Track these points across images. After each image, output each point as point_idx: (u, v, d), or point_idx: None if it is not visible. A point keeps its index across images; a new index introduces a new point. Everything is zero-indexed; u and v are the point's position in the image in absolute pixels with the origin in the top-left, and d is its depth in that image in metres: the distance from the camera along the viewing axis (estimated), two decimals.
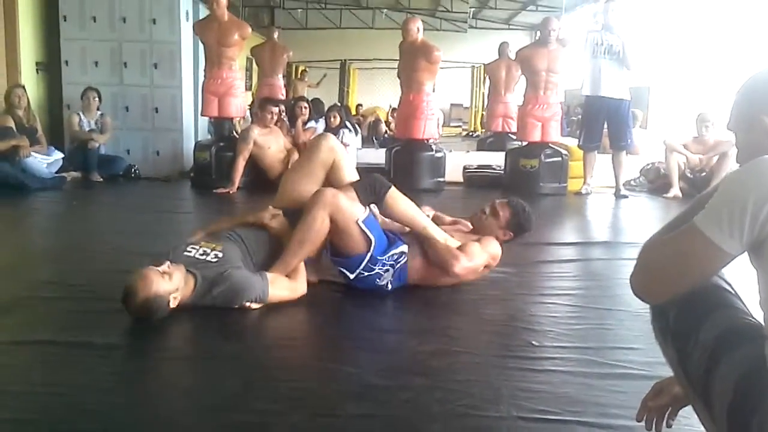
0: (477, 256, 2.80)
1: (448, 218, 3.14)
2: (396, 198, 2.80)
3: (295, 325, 2.51)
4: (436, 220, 2.98)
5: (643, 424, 1.48)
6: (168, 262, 2.38)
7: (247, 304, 2.46)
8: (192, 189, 6.25)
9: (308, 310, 2.59)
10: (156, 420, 1.70)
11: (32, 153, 5.83)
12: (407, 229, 2.87)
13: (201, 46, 6.57)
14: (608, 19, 5.96)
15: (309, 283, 2.71)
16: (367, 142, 9.64)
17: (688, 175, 6.27)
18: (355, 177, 2.90)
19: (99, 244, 3.71)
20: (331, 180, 2.87)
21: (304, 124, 6.71)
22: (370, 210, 2.74)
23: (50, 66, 7.04)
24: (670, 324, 1.29)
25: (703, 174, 6.13)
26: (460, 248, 2.79)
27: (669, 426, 1.47)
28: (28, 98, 6.14)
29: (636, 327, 2.39)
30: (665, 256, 1.24)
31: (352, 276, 2.71)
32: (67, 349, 2.12)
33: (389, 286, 2.76)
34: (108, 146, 6.63)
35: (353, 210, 2.65)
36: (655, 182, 6.54)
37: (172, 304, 2.34)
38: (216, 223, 2.98)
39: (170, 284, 2.32)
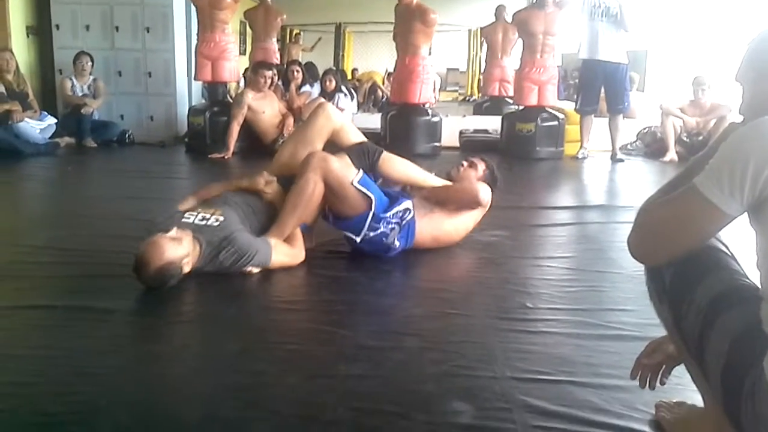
0: (483, 187, 2.87)
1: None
2: (389, 159, 2.83)
3: (291, 289, 2.52)
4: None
5: (636, 382, 1.51)
6: (176, 228, 2.36)
7: (249, 268, 2.46)
8: (186, 154, 6.22)
9: (305, 275, 2.60)
10: (154, 382, 1.72)
11: (25, 118, 5.79)
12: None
13: (194, 10, 6.47)
14: None
15: (306, 249, 2.72)
16: (364, 107, 9.58)
17: (685, 138, 6.26)
18: (361, 139, 2.91)
19: (94, 209, 3.71)
20: (337, 144, 2.88)
21: (298, 88, 6.65)
22: (364, 172, 2.74)
23: (41, 30, 6.94)
24: (665, 285, 1.30)
25: (700, 137, 6.12)
26: None
27: (662, 384, 1.49)
28: (17, 62, 6.06)
29: (630, 289, 2.40)
30: (664, 218, 1.24)
31: (359, 239, 2.69)
32: (66, 313, 2.14)
33: (397, 245, 2.73)
34: (101, 111, 6.58)
35: (346, 171, 2.65)
36: (652, 146, 6.53)
37: (185, 270, 2.33)
38: (206, 189, 2.86)
39: (182, 249, 2.30)
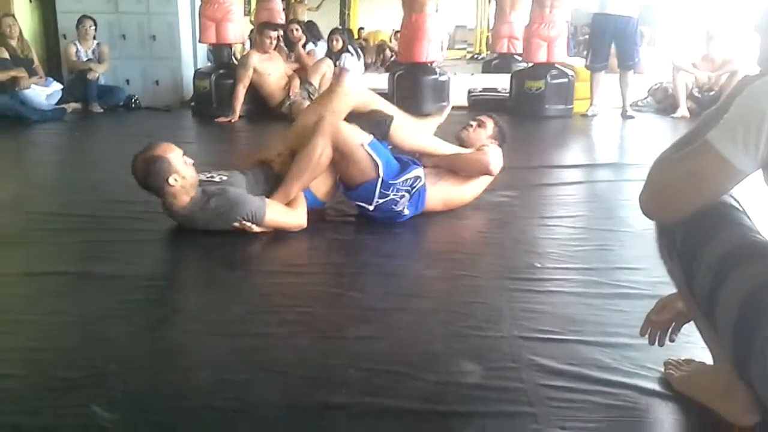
0: (495, 152, 2.86)
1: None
2: (400, 128, 2.79)
3: (298, 252, 2.52)
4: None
5: (644, 341, 1.51)
6: (192, 161, 2.48)
7: (247, 224, 2.47)
8: (193, 118, 6.19)
9: (312, 239, 2.60)
10: (163, 346, 1.73)
11: (31, 84, 5.76)
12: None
13: None
14: None
15: (317, 213, 2.71)
16: (373, 67, 9.47)
17: (696, 94, 6.17)
18: (386, 106, 2.87)
19: (102, 174, 3.70)
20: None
21: (303, 46, 6.57)
22: (375, 137, 2.70)
23: None
24: (676, 242, 1.28)
25: (712, 93, 6.03)
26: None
27: (672, 341, 1.49)
28: (20, 27, 6.00)
29: (639, 247, 2.39)
30: (676, 175, 1.22)
31: (371, 207, 2.67)
32: (76, 279, 2.15)
33: (406, 213, 2.72)
34: (107, 76, 6.53)
35: (356, 135, 2.62)
36: (663, 102, 6.44)
37: (171, 182, 2.39)
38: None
39: (183, 168, 2.42)
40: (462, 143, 2.98)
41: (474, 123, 3.03)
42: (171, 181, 2.38)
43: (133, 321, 1.87)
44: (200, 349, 1.71)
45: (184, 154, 2.47)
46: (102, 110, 6.21)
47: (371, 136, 2.65)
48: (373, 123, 2.74)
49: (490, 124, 3.04)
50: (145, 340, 1.76)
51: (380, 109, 2.83)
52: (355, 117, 2.74)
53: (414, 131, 2.86)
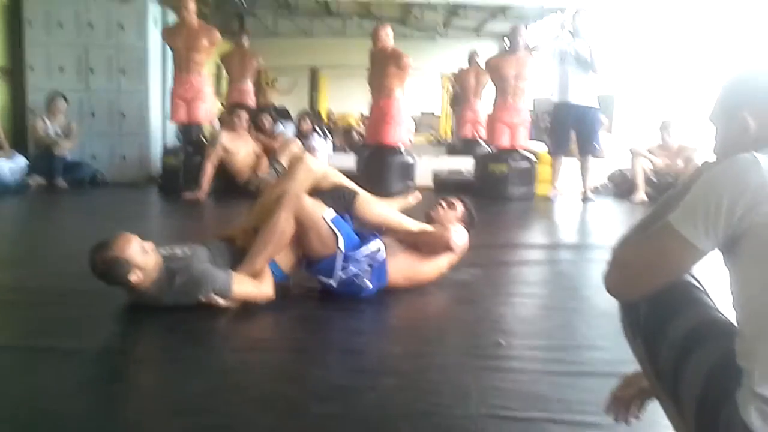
0: (459, 232, 2.88)
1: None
2: (365, 202, 2.84)
3: (263, 328, 2.49)
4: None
5: (611, 420, 1.49)
6: (152, 243, 2.42)
7: (213, 297, 2.43)
8: (159, 194, 6.17)
9: (277, 314, 2.57)
10: (121, 424, 1.67)
11: None
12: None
13: (169, 51, 6.51)
14: (576, 26, 6.05)
15: (281, 288, 2.69)
16: (339, 149, 9.61)
17: (654, 179, 6.37)
18: (344, 182, 2.91)
19: (62, 249, 3.64)
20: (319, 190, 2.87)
21: (271, 131, 6.70)
22: (339, 214, 2.73)
23: (14, 71, 6.90)
24: (640, 320, 1.30)
25: (669, 179, 6.24)
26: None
27: (636, 419, 1.48)
28: None
29: (603, 326, 2.41)
30: (640, 255, 1.25)
31: (335, 283, 2.67)
32: (30, 354, 2.08)
33: (370, 286, 2.71)
34: (73, 152, 6.51)
35: (317, 208, 2.65)
36: (622, 186, 6.63)
37: (131, 278, 2.34)
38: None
39: (142, 260, 2.35)
40: (430, 222, 3.01)
41: (444, 204, 3.07)
42: (132, 277, 2.35)
43: (89, 398, 1.81)
44: (160, 427, 1.65)
45: (142, 237, 2.41)
46: (66, 185, 6.16)
47: (333, 210, 2.68)
48: (337, 197, 2.79)
49: (459, 206, 3.07)
50: (102, 418, 1.70)
51: (343, 183, 2.88)
52: (319, 192, 2.78)
53: (378, 205, 2.90)
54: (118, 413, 1.73)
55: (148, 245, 2.40)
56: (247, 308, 2.53)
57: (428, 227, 2.94)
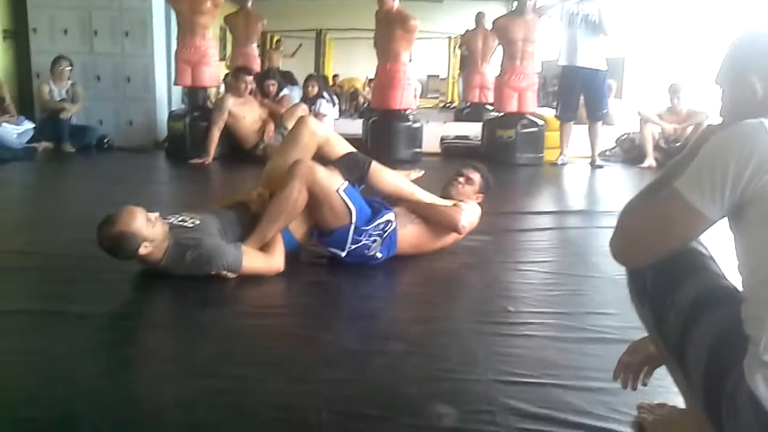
0: (471, 212, 2.87)
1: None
2: (379, 171, 2.82)
3: (272, 294, 2.50)
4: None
5: (618, 384, 1.51)
6: (157, 213, 2.39)
7: (223, 272, 2.44)
8: (166, 159, 6.16)
9: (286, 280, 2.58)
10: (131, 387, 1.70)
11: (2, 123, 5.70)
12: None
13: (173, 14, 6.44)
14: None
15: (292, 255, 2.69)
16: (346, 114, 9.57)
17: (663, 145, 6.32)
18: (348, 149, 2.88)
19: (71, 214, 3.65)
20: (325, 156, 2.85)
21: (276, 95, 6.65)
22: (352, 183, 2.72)
23: (18, 34, 6.85)
24: (646, 286, 1.31)
25: (678, 144, 6.18)
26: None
27: (644, 385, 1.50)
28: None
29: (610, 292, 2.42)
30: (646, 222, 1.25)
31: (343, 254, 2.67)
32: (42, 318, 2.10)
33: (379, 256, 2.72)
34: (80, 116, 6.49)
35: (331, 179, 2.63)
36: (630, 152, 6.58)
37: (141, 251, 2.33)
38: (207, 204, 2.94)
39: (149, 231, 2.32)
40: (447, 198, 2.98)
41: (462, 179, 3.01)
42: (141, 250, 2.33)
43: (101, 361, 1.83)
44: (170, 390, 1.67)
45: (147, 210, 2.38)
46: (73, 150, 6.16)
47: (346, 182, 2.67)
48: (352, 164, 2.77)
49: (476, 178, 3.02)
50: (114, 381, 1.72)
51: (352, 150, 2.86)
52: (332, 159, 2.77)
53: (392, 174, 2.89)
54: (130, 377, 1.76)
55: (153, 215, 2.37)
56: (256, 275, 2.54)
57: (439, 200, 2.91)
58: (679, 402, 1.46)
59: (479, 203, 3.03)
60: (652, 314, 1.32)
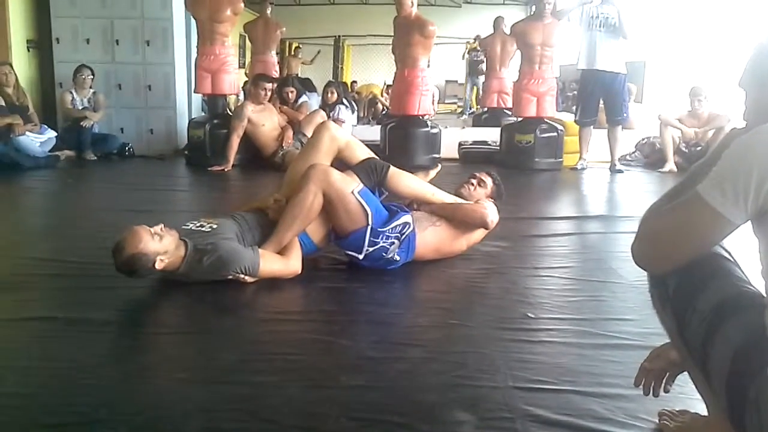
0: (492, 208, 2.89)
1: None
2: (397, 175, 2.84)
3: (291, 300, 2.51)
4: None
5: (639, 391, 1.50)
6: (162, 225, 2.40)
7: (240, 276, 2.46)
8: (186, 167, 6.22)
9: (305, 286, 2.59)
10: (152, 393, 1.71)
11: (26, 132, 5.79)
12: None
13: (193, 23, 6.51)
14: None
15: (309, 261, 2.70)
16: (364, 120, 9.60)
17: (683, 149, 6.27)
18: (368, 154, 2.90)
19: (94, 221, 3.70)
20: (345, 161, 2.87)
21: (295, 102, 6.70)
22: (371, 188, 2.73)
23: (41, 44, 6.96)
24: (669, 292, 1.29)
25: (699, 148, 6.13)
26: None
27: (666, 391, 1.49)
28: (16, 75, 6.06)
29: (631, 298, 2.40)
30: (668, 226, 1.24)
31: (361, 256, 2.68)
32: (65, 325, 2.13)
33: (397, 259, 2.73)
34: (101, 125, 6.59)
35: (346, 182, 2.64)
36: (651, 157, 6.54)
37: (158, 266, 2.34)
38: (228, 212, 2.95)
39: (159, 245, 2.34)
40: (463, 198, 3.00)
41: (474, 181, 3.06)
42: (158, 264, 2.35)
43: (122, 368, 1.85)
44: (190, 396, 1.68)
45: (151, 227, 2.37)
46: (95, 158, 6.24)
47: (361, 184, 2.68)
48: (370, 169, 2.78)
49: (489, 182, 3.08)
50: (135, 387, 1.74)
51: (372, 155, 2.87)
52: (350, 165, 2.78)
53: (410, 177, 2.90)
54: (151, 384, 1.77)
55: (157, 228, 2.37)
56: (276, 280, 2.55)
57: (460, 200, 2.94)
58: (701, 409, 1.44)
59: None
60: (674, 320, 1.30)
